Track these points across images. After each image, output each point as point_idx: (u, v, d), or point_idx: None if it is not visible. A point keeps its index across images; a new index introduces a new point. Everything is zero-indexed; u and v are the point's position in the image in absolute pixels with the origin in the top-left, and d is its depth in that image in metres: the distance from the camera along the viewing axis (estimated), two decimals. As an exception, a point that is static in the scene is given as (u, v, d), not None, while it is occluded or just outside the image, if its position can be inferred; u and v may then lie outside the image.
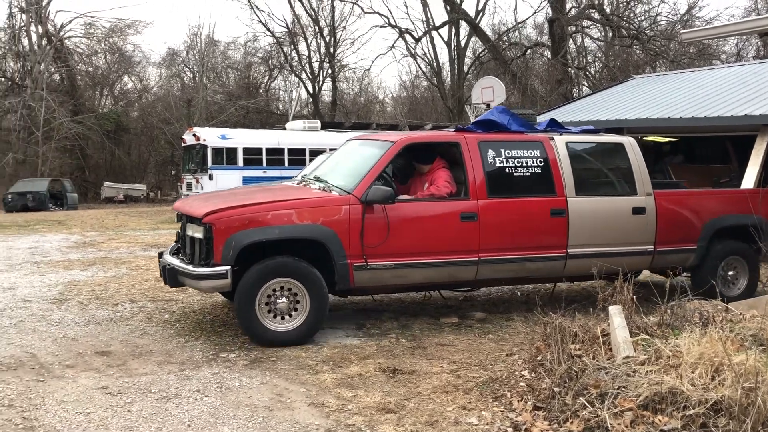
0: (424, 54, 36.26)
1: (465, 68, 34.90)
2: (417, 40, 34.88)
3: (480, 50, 33.78)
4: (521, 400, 4.16)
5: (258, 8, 38.95)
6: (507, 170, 6.33)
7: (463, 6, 31.76)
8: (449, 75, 35.47)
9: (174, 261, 5.83)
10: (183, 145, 22.57)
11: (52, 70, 34.48)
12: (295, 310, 5.58)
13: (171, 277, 5.70)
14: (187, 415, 4.02)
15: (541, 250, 6.40)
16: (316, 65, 39.12)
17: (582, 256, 6.47)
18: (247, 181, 19.02)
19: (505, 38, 32.86)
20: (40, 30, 33.48)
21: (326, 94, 40.57)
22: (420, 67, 37.94)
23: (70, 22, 34.99)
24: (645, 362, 3.88)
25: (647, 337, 4.30)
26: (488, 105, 14.01)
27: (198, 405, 4.18)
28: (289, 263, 5.60)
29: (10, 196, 25.22)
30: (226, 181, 19.15)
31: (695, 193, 7.66)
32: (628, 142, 6.95)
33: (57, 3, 34.42)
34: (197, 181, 20.40)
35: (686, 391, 3.45)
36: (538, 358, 4.56)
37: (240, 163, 20.71)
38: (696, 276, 7.14)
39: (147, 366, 4.91)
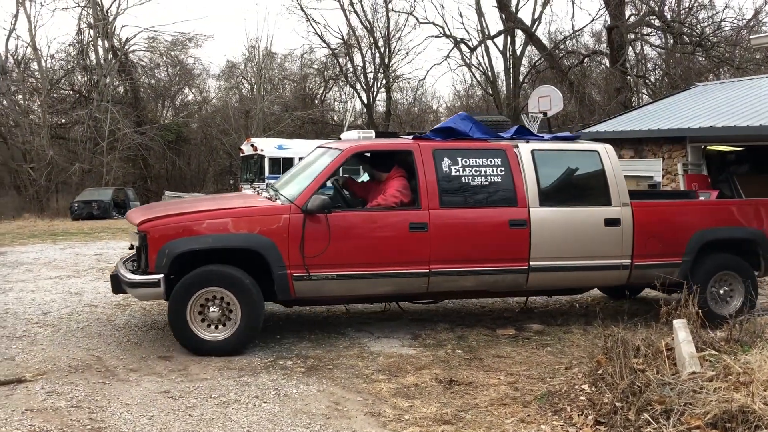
0: (479, 63, 36.02)
1: (520, 77, 34.57)
2: (472, 50, 34.77)
3: (536, 59, 33.42)
4: (581, 415, 4.07)
5: (314, 21, 39.62)
6: (463, 179, 6.05)
7: (519, 15, 31.55)
8: (504, 84, 35.18)
9: (121, 269, 5.78)
10: (241, 155, 23.06)
11: (117, 83, 35.70)
12: (229, 319, 5.51)
13: (114, 284, 5.75)
14: (246, 420, 4.08)
15: (500, 263, 6.07)
16: (370, 76, 39.44)
17: (547, 270, 6.18)
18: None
19: (562, 47, 32.42)
20: (107, 45, 34.75)
21: (380, 104, 40.82)
22: (475, 77, 37.73)
23: (134, 36, 36.22)
24: (713, 379, 3.75)
25: (714, 352, 4.16)
26: (545, 114, 13.83)
27: (257, 411, 4.23)
28: (217, 272, 5.51)
29: (76, 205, 26.16)
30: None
31: (680, 204, 7.16)
32: (604, 149, 6.52)
33: (122, 18, 36.04)
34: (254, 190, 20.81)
35: (758, 410, 3.32)
36: (599, 371, 4.46)
37: (296, 172, 21.01)
38: (684, 292, 6.80)
39: (207, 371, 5.01)
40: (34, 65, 32.76)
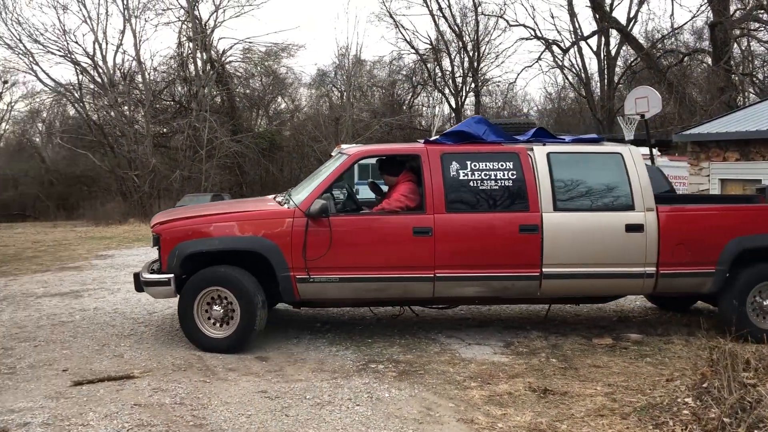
0: (572, 65, 35.17)
1: (615, 78, 33.49)
2: (564, 51, 33.99)
3: (632, 59, 32.28)
4: (685, 429, 3.88)
5: (403, 27, 39.83)
6: (472, 183, 5.94)
7: (614, 14, 30.57)
8: (598, 86, 34.19)
9: (143, 269, 6.20)
10: (331, 161, 23.44)
11: (215, 93, 37.16)
12: (231, 319, 5.74)
13: (136, 283, 6.11)
14: (340, 422, 4.14)
15: (509, 269, 5.90)
16: (459, 80, 39.27)
17: (561, 276, 5.93)
18: (391, 195, 19.40)
19: (660, 45, 31.16)
20: (205, 57, 36.26)
21: (469, 109, 40.53)
22: (567, 79, 36.87)
23: (230, 48, 37.61)
24: (833, 397, 3.49)
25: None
26: (643, 116, 13.33)
27: (350, 413, 4.29)
28: (220, 273, 5.77)
29: (177, 210, 27.33)
30: (371, 195, 19.65)
31: (713, 209, 6.45)
32: (629, 151, 6.17)
33: (219, 31, 37.62)
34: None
35: None
36: (704, 385, 4.24)
37: (385, 178, 21.17)
38: (721, 304, 6.18)
39: (301, 373, 5.12)
40: (139, 78, 34.57)
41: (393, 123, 36.83)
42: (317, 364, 5.34)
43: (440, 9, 37.07)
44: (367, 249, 5.90)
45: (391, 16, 37.92)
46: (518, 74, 66.09)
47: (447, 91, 39.44)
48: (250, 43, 36.87)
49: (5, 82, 43.85)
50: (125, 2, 30.71)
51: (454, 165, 6.00)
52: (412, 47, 38.90)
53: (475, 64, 38.55)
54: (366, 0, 59.88)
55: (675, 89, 26.03)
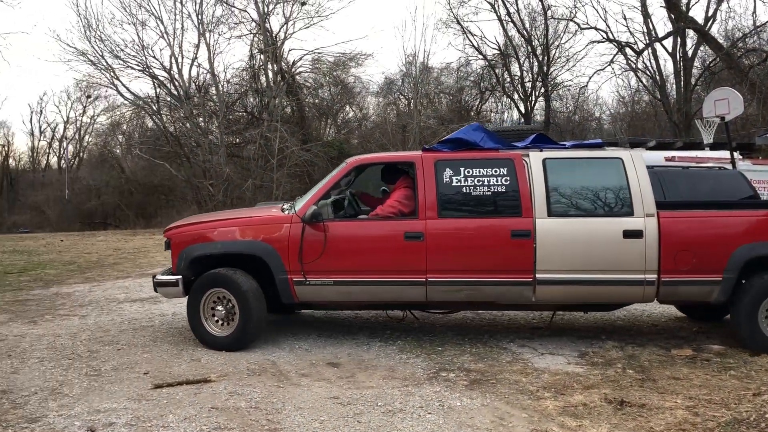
0: (646, 67, 34.12)
1: (692, 80, 32.31)
2: (638, 54, 33.03)
3: (710, 60, 31.07)
4: (775, 448, 3.69)
5: (470, 33, 39.49)
6: (464, 189, 6.02)
7: (690, 13, 29.52)
8: (674, 88, 33.05)
9: (159, 272, 6.80)
10: (399, 168, 23.48)
11: (285, 103, 37.91)
12: (233, 319, 6.09)
13: (154, 284, 6.50)
14: (412, 430, 4.14)
15: (502, 274, 5.90)
16: (528, 85, 38.77)
17: (556, 282, 5.86)
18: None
19: (741, 44, 29.88)
20: (275, 68, 37.08)
21: (539, 114, 39.94)
22: (641, 81, 35.77)
23: (300, 59, 38.32)
24: None
25: None
26: (723, 118, 12.80)
27: (421, 422, 4.28)
28: (221, 275, 6.13)
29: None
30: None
31: (719, 214, 5.98)
32: (629, 156, 6.01)
33: (289, 42, 38.30)
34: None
35: None
36: (795, 401, 4.03)
37: (453, 185, 21.07)
38: (733, 315, 5.91)
39: (372, 380, 5.15)
40: (213, 90, 35.65)
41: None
42: (388, 372, 5.36)
43: (509, 14, 36.74)
44: (360, 253, 6.08)
45: (458, 23, 37.83)
46: (590, 78, 64.52)
47: (516, 96, 39.01)
48: (319, 53, 37.45)
49: (89, 96, 46.05)
50: (200, 17, 31.74)
51: (448, 171, 6.10)
52: (480, 53, 38.68)
53: (545, 68, 37.98)
54: (433, 7, 60.00)
55: (758, 90, 24.90)
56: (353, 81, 41.24)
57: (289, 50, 38.70)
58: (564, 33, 37.06)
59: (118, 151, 44.27)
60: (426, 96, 40.29)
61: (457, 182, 6.05)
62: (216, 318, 6.18)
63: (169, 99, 35.41)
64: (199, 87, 36.26)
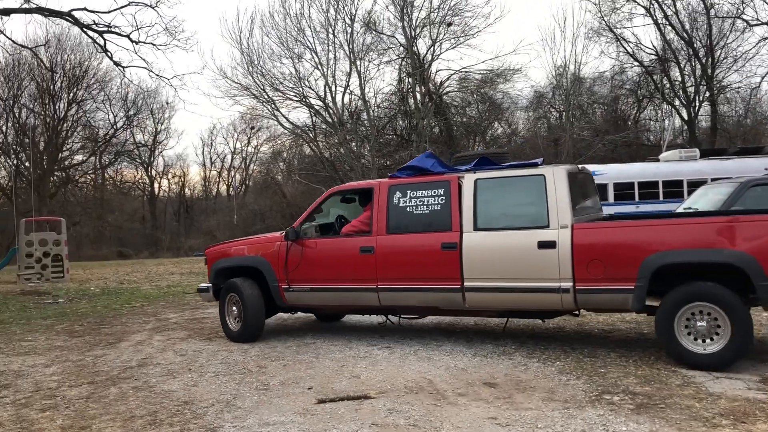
0: (830, 61, 30.85)
1: None
2: (818, 47, 29.92)
3: None
4: None
5: (624, 40, 37.76)
6: (408, 209, 6.96)
7: None
8: None
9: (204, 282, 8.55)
10: (552, 184, 22.90)
11: (433, 123, 38.40)
12: (241, 317, 7.78)
13: (197, 291, 8.63)
14: (575, 455, 3.98)
15: (436, 282, 6.70)
16: (690, 90, 36.33)
17: (481, 290, 6.51)
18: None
19: None
20: (423, 89, 37.70)
21: (703, 119, 37.29)
22: (825, 77, 32.36)
23: (447, 79, 38.71)
24: None
25: None
26: None
27: (585, 446, 4.10)
28: (232, 283, 7.86)
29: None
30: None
31: (628, 225, 6.18)
32: (552, 173, 6.38)
33: (436, 64, 38.78)
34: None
35: None
36: None
37: (610, 199, 20.17)
38: (656, 324, 5.88)
39: (531, 401, 5.03)
40: (364, 115, 36.91)
41: (617, 140, 35.14)
42: (547, 393, 5.21)
43: (666, 17, 34.79)
44: (328, 265, 7.35)
45: (611, 30, 36.37)
46: (762, 78, 59.41)
47: (677, 102, 36.69)
48: (466, 72, 37.63)
49: (252, 128, 49.45)
50: (351, 46, 33.08)
51: (397, 194, 7.09)
52: (636, 59, 36.89)
53: (710, 70, 35.45)
54: (583, 17, 58.18)
55: None
56: (501, 97, 40.93)
57: (436, 71, 39.18)
58: (730, 32, 34.43)
59: (279, 177, 47.08)
60: (579, 107, 39.07)
61: (403, 203, 7.03)
62: (232, 316, 7.90)
63: (324, 126, 37.12)
64: (351, 113, 37.72)
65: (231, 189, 52.15)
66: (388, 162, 39.35)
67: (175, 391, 5.73)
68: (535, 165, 6.74)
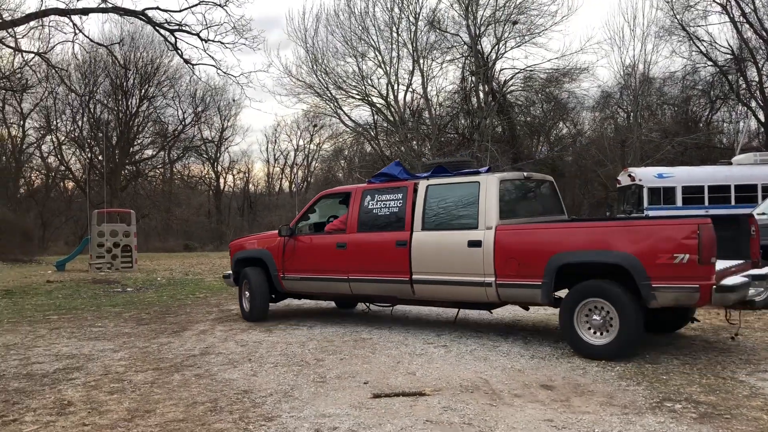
0: None
1: None
2: None
3: None
4: None
5: (698, 38, 36.42)
6: (375, 211, 8.03)
7: None
8: None
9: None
10: (617, 186, 22.39)
11: (496, 123, 38.01)
12: (251, 299, 9.22)
13: (222, 277, 10.73)
14: (633, 461, 3.90)
15: (392, 275, 7.70)
16: None
17: (425, 282, 7.49)
18: (686, 221, 17.75)
19: None
20: (486, 88, 37.36)
21: (782, 122, 35.64)
22: None
23: (511, 78, 38.25)
24: None
25: None
26: None
27: (643, 453, 4.01)
28: (245, 272, 9.26)
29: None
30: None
31: (537, 227, 7.01)
32: (485, 180, 7.22)
33: (500, 62, 38.23)
34: (632, 222, 19.89)
35: None
36: None
37: (678, 202, 19.57)
38: (559, 317, 6.65)
39: (589, 405, 4.94)
40: (426, 114, 36.86)
41: (688, 142, 34.02)
42: (606, 398, 5.10)
43: (743, 14, 33.43)
44: (312, 257, 8.56)
45: (683, 29, 35.19)
46: None
47: (753, 103, 35.21)
48: (531, 71, 37.09)
49: (315, 125, 50.11)
50: (414, 44, 33.08)
51: (368, 198, 8.14)
52: (710, 59, 35.59)
53: (789, 70, 33.86)
54: (654, 14, 56.49)
55: None
56: (567, 96, 40.18)
57: (500, 70, 38.75)
58: (814, 28, 32.78)
59: (340, 175, 47.48)
60: (647, 108, 37.97)
61: (372, 206, 8.07)
62: (245, 299, 9.30)
63: (385, 125, 37.25)
64: (413, 112, 37.72)
65: (293, 185, 53.00)
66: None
67: (235, 379, 5.89)
68: (477, 173, 7.58)
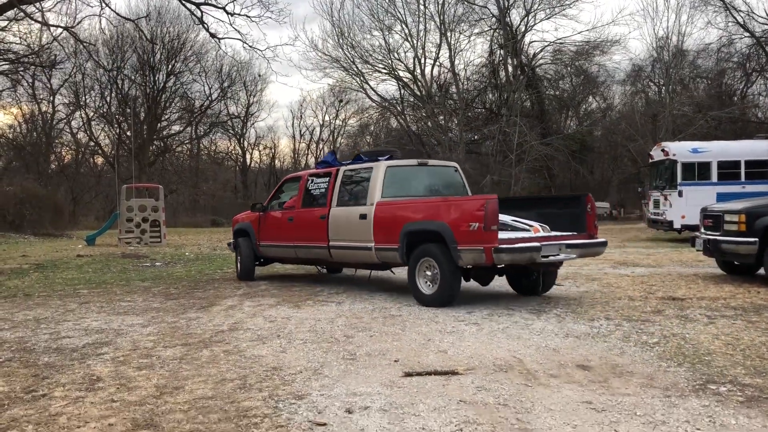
0: None
1: None
2: None
3: None
4: None
5: (734, 9, 35.28)
6: (312, 191, 10.08)
7: None
8: None
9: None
10: (650, 161, 21.88)
11: (524, 97, 37.39)
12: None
13: (227, 245, 13.22)
14: (679, 447, 3.73)
15: (318, 242, 9.68)
16: (807, 63, 33.72)
17: (337, 248, 9.40)
18: (721, 197, 17.31)
19: None
20: (515, 62, 36.71)
21: (821, 95, 34.57)
22: None
23: (540, 51, 37.53)
24: None
25: None
26: None
27: (689, 438, 3.84)
28: (237, 241, 11.71)
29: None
30: (697, 197, 17.77)
31: (398, 203, 8.65)
32: (376, 166, 9.06)
33: (529, 35, 37.47)
34: (665, 198, 19.46)
35: None
36: None
37: (714, 178, 19.06)
38: (407, 273, 8.37)
39: (629, 387, 4.76)
40: (453, 89, 36.37)
41: (722, 116, 33.16)
42: (646, 379, 4.92)
43: (782, -18, 32.24)
44: (274, 229, 10.76)
45: (719, -1, 34.11)
46: None
47: (791, 76, 34.15)
48: (560, 43, 36.35)
49: (341, 100, 49.84)
50: (441, 17, 32.55)
51: (310, 181, 10.22)
52: (747, 30, 34.52)
53: (830, 41, 32.78)
54: (688, -15, 54.79)
55: None
56: (597, 70, 39.42)
57: (530, 43, 38.05)
58: None
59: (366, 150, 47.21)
60: (680, 82, 37.05)
61: (312, 188, 10.12)
62: (238, 262, 11.60)
63: (412, 99, 36.83)
64: (440, 86, 37.23)
65: (319, 161, 52.96)
66: (476, 136, 38.71)
67: (264, 356, 5.81)
68: (377, 161, 9.30)
